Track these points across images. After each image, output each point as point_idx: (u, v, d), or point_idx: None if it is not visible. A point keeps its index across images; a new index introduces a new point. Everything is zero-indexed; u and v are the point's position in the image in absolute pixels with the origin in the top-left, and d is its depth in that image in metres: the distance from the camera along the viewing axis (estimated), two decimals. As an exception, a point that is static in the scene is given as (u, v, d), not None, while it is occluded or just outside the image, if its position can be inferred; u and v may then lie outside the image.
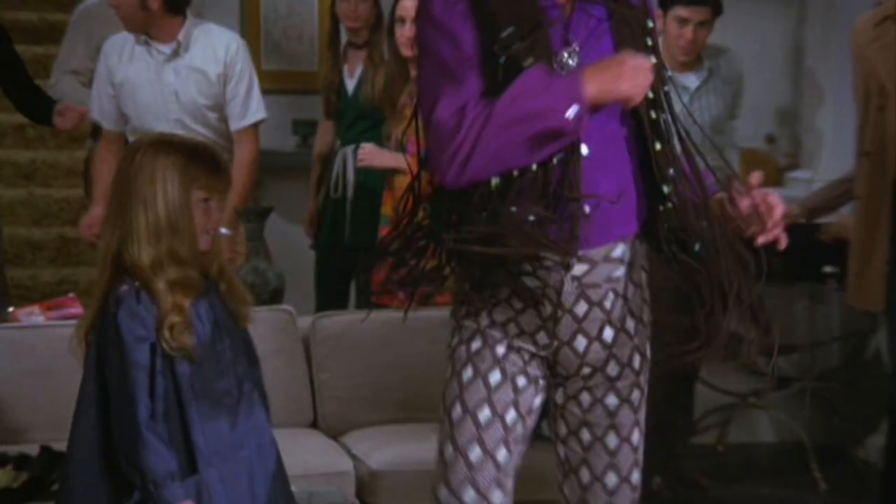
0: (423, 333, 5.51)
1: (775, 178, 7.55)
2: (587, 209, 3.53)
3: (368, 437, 5.31)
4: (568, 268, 3.60)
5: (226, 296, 3.62)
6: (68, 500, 3.52)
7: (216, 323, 3.55)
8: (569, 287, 3.64)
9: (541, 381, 3.79)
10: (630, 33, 3.60)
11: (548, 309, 3.67)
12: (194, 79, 5.98)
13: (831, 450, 6.73)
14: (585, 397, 3.76)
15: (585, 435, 3.78)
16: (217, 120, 6.05)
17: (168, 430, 3.43)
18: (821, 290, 6.58)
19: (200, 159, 3.58)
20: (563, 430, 3.82)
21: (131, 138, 5.93)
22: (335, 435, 5.40)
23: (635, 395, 3.77)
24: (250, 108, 6.11)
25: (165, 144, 3.60)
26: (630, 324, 3.72)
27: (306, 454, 5.05)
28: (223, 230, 5.80)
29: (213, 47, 6.01)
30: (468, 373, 3.73)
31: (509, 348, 3.72)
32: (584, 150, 3.51)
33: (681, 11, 5.89)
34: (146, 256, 3.44)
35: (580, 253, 3.58)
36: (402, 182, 5.87)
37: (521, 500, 4.62)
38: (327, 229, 6.81)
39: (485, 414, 3.72)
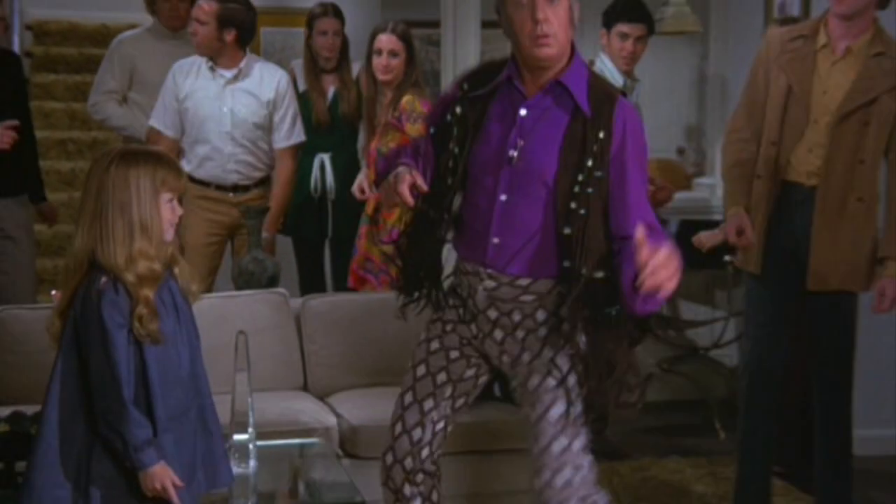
0: (392, 312, 5.45)
1: (684, 184, 7.55)
2: (496, 240, 3.81)
3: (350, 397, 5.24)
4: (480, 279, 3.88)
5: (179, 276, 3.55)
6: (45, 456, 3.42)
7: (175, 307, 3.50)
8: (481, 295, 3.90)
9: (473, 360, 4.05)
10: (576, 145, 3.77)
11: (470, 307, 3.96)
12: (247, 101, 6.07)
13: (730, 405, 6.69)
14: (520, 378, 4.00)
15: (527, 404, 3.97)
16: (259, 138, 6.13)
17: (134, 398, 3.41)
18: (721, 275, 6.56)
19: (165, 166, 3.52)
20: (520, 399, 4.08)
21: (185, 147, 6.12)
22: (322, 396, 5.32)
23: (554, 373, 3.89)
24: (293, 132, 6.21)
25: (134, 155, 3.51)
26: (542, 332, 3.89)
27: (298, 412, 5.00)
28: (264, 234, 5.86)
29: (267, 79, 6.13)
30: (423, 340, 4.15)
31: (452, 330, 4.03)
32: (503, 196, 3.80)
33: (623, 28, 5.90)
34: (120, 255, 3.38)
35: (489, 272, 3.86)
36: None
37: (476, 451, 4.61)
38: (311, 224, 6.75)
39: (421, 370, 4.09)
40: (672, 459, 6.18)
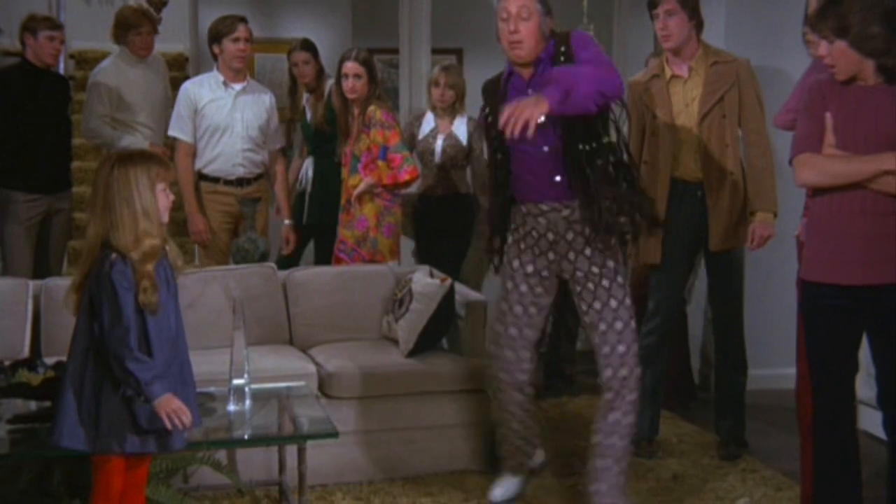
0: (361, 282, 5.55)
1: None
2: (557, 178, 4.18)
3: (326, 349, 5.18)
4: (560, 211, 4.21)
5: (169, 253, 3.52)
6: (65, 398, 3.44)
7: (166, 280, 3.48)
8: (562, 224, 4.22)
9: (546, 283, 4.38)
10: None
11: (550, 236, 4.23)
12: (254, 107, 6.08)
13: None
14: (586, 286, 4.25)
15: (584, 305, 4.27)
16: (260, 138, 6.11)
17: None
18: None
19: (157, 162, 3.50)
20: (581, 305, 4.28)
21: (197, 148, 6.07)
22: (304, 349, 5.27)
23: (604, 282, 4.20)
24: (278, 137, 6.32)
25: (130, 156, 3.50)
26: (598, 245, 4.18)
27: (284, 362, 4.97)
28: (287, 221, 6.19)
29: (263, 94, 6.21)
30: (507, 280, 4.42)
31: (531, 263, 4.35)
32: (545, 148, 4.16)
33: None
34: (129, 236, 3.39)
35: (567, 202, 4.20)
36: (354, 181, 5.89)
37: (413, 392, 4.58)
38: (296, 212, 6.65)
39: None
40: (583, 397, 6.19)
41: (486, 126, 4.46)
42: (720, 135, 5.01)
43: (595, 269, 4.20)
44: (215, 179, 6.04)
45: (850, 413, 3.88)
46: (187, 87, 6.11)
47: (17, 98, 6.06)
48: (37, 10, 6.85)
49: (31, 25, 6.11)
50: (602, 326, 4.23)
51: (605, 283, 4.20)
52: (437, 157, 6.43)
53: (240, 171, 6.05)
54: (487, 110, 4.42)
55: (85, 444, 3.44)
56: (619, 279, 4.22)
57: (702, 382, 6.38)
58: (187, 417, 3.42)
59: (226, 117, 6.00)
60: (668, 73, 5.10)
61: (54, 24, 6.20)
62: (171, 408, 3.38)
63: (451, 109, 6.46)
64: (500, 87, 4.35)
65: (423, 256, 6.43)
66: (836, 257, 3.72)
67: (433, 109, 6.51)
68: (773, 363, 5.45)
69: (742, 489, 4.85)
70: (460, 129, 6.45)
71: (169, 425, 3.41)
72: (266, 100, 6.16)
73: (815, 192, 3.77)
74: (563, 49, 4.14)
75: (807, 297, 3.85)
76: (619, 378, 4.23)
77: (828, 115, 3.68)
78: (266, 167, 6.20)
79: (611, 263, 4.20)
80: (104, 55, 6.93)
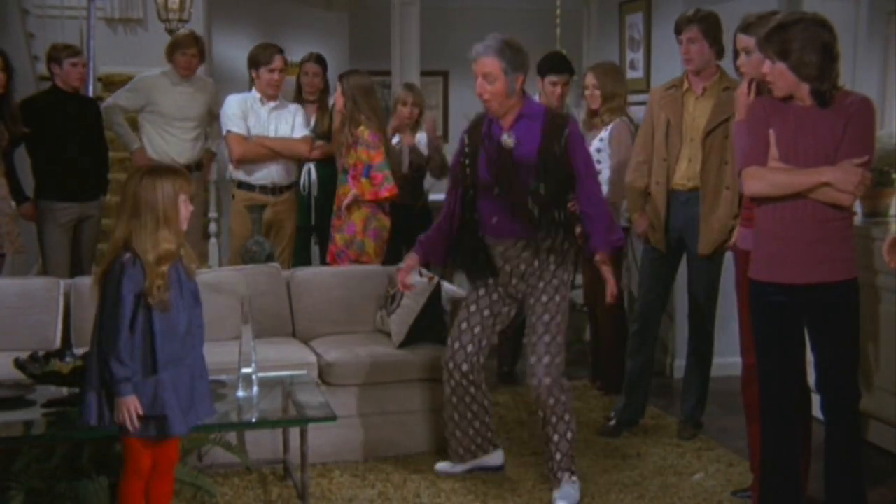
0: (357, 280, 5.55)
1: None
2: (494, 220, 4.40)
3: (325, 342, 5.16)
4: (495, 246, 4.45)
5: (183, 257, 3.53)
6: (90, 382, 3.48)
7: (179, 282, 3.48)
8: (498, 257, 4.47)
9: (506, 300, 4.54)
10: (552, 141, 4.31)
11: (507, 266, 4.47)
12: (286, 121, 6.21)
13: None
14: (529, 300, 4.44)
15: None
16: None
17: (142, 347, 3.41)
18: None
19: (181, 176, 3.52)
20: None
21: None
22: (305, 341, 5.25)
23: (545, 296, 4.39)
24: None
25: (158, 169, 3.54)
26: (535, 266, 4.41)
27: (288, 352, 4.95)
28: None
29: (291, 108, 6.33)
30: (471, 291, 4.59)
31: (487, 285, 4.54)
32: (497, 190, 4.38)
33: (553, 78, 6.05)
34: (149, 241, 3.40)
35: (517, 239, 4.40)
36: (344, 190, 5.89)
37: (380, 381, 4.55)
38: (302, 214, 6.66)
39: (472, 307, 4.56)
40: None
41: (461, 163, 4.50)
42: (720, 152, 5.02)
43: (541, 285, 4.40)
44: (251, 187, 6.08)
45: (794, 398, 3.89)
46: (235, 97, 6.25)
47: (49, 120, 6.12)
48: (69, 39, 6.93)
49: (55, 55, 6.20)
50: (532, 318, 4.40)
51: (531, 300, 4.39)
52: (405, 168, 6.41)
53: (275, 178, 6.16)
54: (467, 150, 4.47)
55: (110, 423, 3.48)
56: (558, 291, 4.39)
57: (659, 369, 6.38)
58: (135, 422, 3.43)
59: (262, 131, 6.10)
60: (686, 85, 5.15)
61: (75, 52, 6.27)
62: (130, 407, 3.41)
63: (414, 125, 6.48)
64: (482, 129, 4.42)
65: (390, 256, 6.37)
66: (780, 259, 3.75)
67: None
68: (719, 353, 5.46)
69: (698, 465, 4.89)
70: (422, 141, 6.49)
71: (120, 420, 3.43)
72: (292, 109, 6.29)
73: (762, 201, 3.80)
74: (562, 135, 4.30)
75: (754, 294, 3.87)
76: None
77: (771, 132, 3.72)
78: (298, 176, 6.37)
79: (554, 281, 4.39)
80: (129, 78, 6.99)
